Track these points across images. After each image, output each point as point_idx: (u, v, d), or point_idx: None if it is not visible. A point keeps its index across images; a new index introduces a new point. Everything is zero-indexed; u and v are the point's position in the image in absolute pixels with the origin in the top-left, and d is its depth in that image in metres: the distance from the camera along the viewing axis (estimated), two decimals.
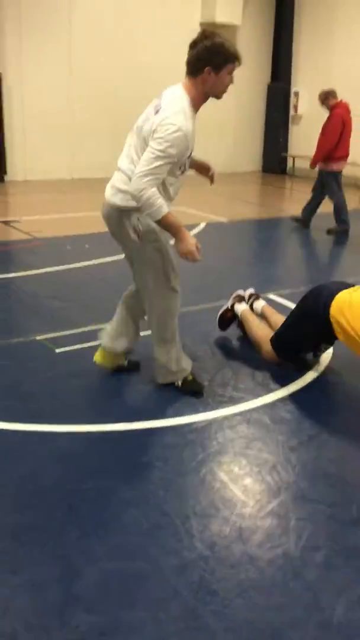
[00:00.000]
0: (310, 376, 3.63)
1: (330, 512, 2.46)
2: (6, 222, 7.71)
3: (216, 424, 3.10)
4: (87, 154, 11.37)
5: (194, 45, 2.97)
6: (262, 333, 3.85)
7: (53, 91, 10.98)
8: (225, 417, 3.16)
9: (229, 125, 13.06)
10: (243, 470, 2.73)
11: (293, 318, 3.62)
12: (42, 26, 10.59)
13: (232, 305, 4.16)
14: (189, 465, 2.73)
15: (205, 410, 3.22)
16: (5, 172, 10.77)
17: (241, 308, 4.13)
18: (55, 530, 2.29)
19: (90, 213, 8.49)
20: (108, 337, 3.47)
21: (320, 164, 7.49)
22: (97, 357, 3.54)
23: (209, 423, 3.10)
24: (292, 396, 3.40)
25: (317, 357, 3.79)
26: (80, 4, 10.78)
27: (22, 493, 2.51)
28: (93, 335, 4.16)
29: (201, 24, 12.03)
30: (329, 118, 7.42)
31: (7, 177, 10.84)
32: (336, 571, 2.14)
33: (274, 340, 3.69)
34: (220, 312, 4.20)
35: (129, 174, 2.94)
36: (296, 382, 3.56)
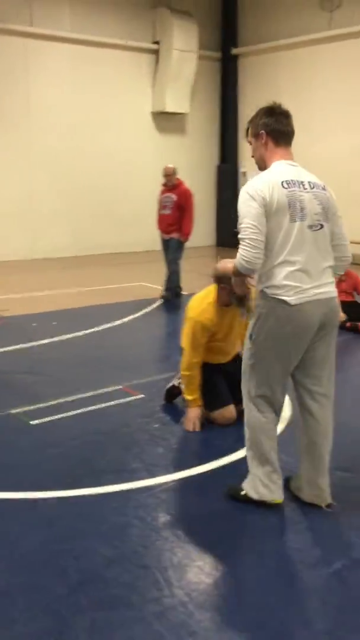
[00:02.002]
0: None
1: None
2: None
3: (186, 483, 3.33)
4: (48, 235, 11.81)
5: (288, 113, 2.93)
6: None
7: (13, 178, 11.47)
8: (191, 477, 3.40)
9: None
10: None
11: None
12: (2, 116, 11.18)
13: (180, 383, 4.34)
14: (163, 522, 2.95)
15: (177, 470, 3.45)
16: None
17: None
18: (45, 588, 2.47)
19: (54, 291, 8.85)
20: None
21: (178, 234, 7.93)
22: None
23: (181, 482, 3.33)
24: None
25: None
26: (36, 95, 11.42)
27: (12, 556, 2.67)
28: (64, 406, 4.40)
29: (152, 113, 12.91)
30: (183, 193, 7.80)
31: None
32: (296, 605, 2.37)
33: None
34: (167, 387, 4.45)
35: (331, 265, 2.87)
36: None
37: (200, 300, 3.97)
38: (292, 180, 2.79)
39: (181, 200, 7.83)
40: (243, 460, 3.48)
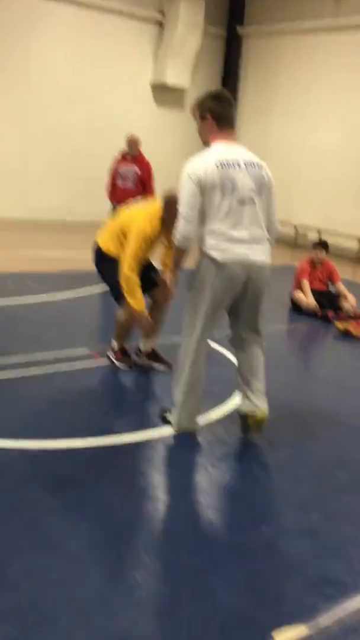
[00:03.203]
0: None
1: None
2: None
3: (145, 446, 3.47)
4: (39, 197, 11.78)
5: (231, 100, 3.43)
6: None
7: (7, 137, 11.40)
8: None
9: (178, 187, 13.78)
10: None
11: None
12: None
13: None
14: (131, 474, 3.09)
15: (131, 430, 3.58)
16: None
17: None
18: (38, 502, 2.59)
19: (38, 252, 8.88)
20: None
21: None
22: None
23: (138, 445, 3.47)
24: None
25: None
26: (36, 55, 11.32)
27: None
28: (32, 364, 4.51)
29: (152, 84, 12.85)
30: (147, 168, 7.54)
31: None
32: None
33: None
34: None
35: (266, 236, 3.41)
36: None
37: (148, 219, 4.26)
38: (226, 161, 3.27)
39: (145, 175, 7.53)
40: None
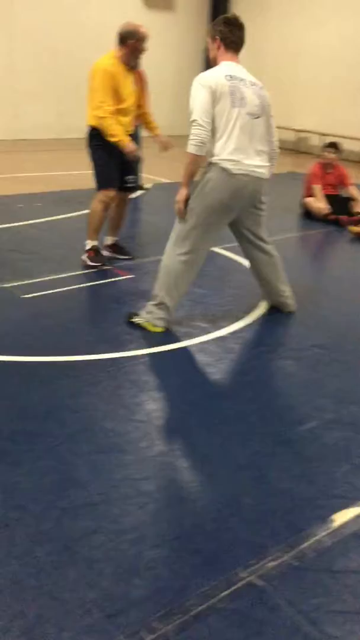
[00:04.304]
0: (254, 315, 4.13)
1: None
2: None
3: (180, 352, 3.56)
4: (30, 115, 11.42)
5: (242, 26, 3.57)
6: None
7: None
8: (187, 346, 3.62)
9: (168, 92, 13.31)
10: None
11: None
12: None
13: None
14: (151, 386, 3.19)
15: (168, 342, 3.66)
16: None
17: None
18: (46, 434, 2.70)
19: (37, 173, 8.70)
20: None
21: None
22: None
23: (173, 352, 3.55)
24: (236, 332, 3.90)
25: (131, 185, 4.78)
26: None
27: (12, 407, 2.89)
28: (55, 283, 4.55)
29: None
30: (143, 74, 7.30)
31: None
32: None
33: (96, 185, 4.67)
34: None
35: (269, 151, 3.65)
36: (242, 320, 4.05)
37: (107, 58, 4.47)
38: (234, 75, 3.48)
39: (142, 84, 7.25)
40: (220, 339, 3.72)
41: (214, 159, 3.46)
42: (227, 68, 3.50)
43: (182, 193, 3.58)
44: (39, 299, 4.25)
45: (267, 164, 3.63)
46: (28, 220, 6.18)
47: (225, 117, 3.39)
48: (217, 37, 3.55)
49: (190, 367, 3.43)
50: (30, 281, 4.53)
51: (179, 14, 12.87)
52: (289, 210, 7.14)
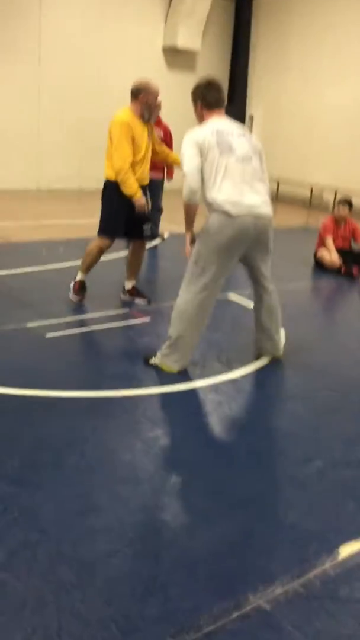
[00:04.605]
0: (262, 361, 4.29)
1: None
2: None
3: (193, 391, 3.72)
4: (53, 166, 11.90)
5: (219, 87, 3.95)
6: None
7: (22, 107, 11.48)
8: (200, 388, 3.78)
9: None
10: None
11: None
12: (12, 46, 11.10)
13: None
14: (166, 421, 3.34)
15: (182, 382, 3.82)
16: None
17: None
18: (67, 464, 2.85)
19: (60, 221, 9.06)
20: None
21: (162, 174, 7.70)
22: None
23: (187, 391, 3.71)
24: (247, 376, 4.06)
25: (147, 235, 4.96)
26: (49, 26, 11.35)
27: (35, 436, 3.05)
28: (77, 323, 4.75)
29: (163, 48, 12.82)
30: (168, 130, 7.73)
31: None
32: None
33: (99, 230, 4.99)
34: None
35: (267, 191, 3.89)
36: (254, 363, 4.21)
37: (123, 112, 4.83)
38: (220, 129, 3.76)
39: (167, 137, 7.67)
40: (232, 380, 3.87)
41: (214, 205, 3.69)
42: (213, 124, 3.78)
43: (186, 237, 3.91)
44: (62, 338, 4.45)
45: (267, 200, 3.83)
46: (51, 264, 6.44)
47: (215, 166, 3.66)
48: (198, 100, 3.90)
49: (203, 406, 3.59)
50: (54, 321, 4.74)
51: (200, 75, 13.45)
52: (302, 262, 7.37)
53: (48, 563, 2.23)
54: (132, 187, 4.74)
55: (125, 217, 4.94)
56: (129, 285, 5.41)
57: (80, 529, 2.43)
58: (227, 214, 3.66)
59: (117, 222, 4.97)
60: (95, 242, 5.08)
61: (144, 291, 5.45)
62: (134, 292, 5.39)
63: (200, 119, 3.93)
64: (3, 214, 9.23)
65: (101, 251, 5.09)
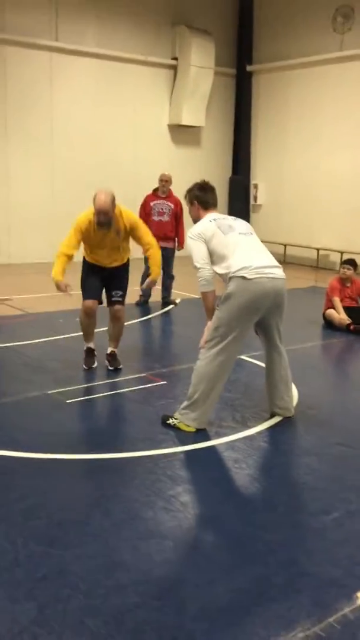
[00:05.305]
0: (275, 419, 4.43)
1: None
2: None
3: (211, 449, 3.85)
4: None
5: (213, 189, 4.34)
6: None
7: (36, 185, 12.07)
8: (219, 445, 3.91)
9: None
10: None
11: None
12: (26, 127, 11.79)
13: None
14: (186, 479, 3.46)
15: (200, 441, 3.96)
16: None
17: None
18: (94, 523, 2.97)
19: (75, 292, 9.37)
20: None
21: (174, 243, 8.27)
22: None
23: (205, 449, 3.84)
24: (262, 433, 4.18)
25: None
26: (59, 108, 12.05)
27: (59, 499, 3.18)
28: (95, 389, 4.93)
29: (169, 126, 13.50)
30: (179, 202, 8.12)
31: None
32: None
33: None
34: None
35: (269, 256, 4.16)
36: (268, 421, 4.35)
37: (86, 215, 5.21)
38: (217, 217, 4.17)
39: (177, 209, 8.14)
40: (248, 437, 4.01)
41: (229, 274, 3.94)
42: (209, 216, 4.17)
43: (207, 324, 4.11)
44: (82, 403, 4.62)
45: (278, 264, 4.11)
46: (68, 334, 6.67)
47: (222, 244, 4.00)
48: (194, 200, 4.28)
49: (221, 463, 3.71)
50: (73, 387, 4.92)
51: (205, 149, 14.15)
52: (311, 322, 7.56)
53: (79, 616, 2.34)
54: (54, 269, 5.17)
55: (97, 284, 5.34)
56: (108, 349, 5.54)
57: (107, 583, 2.53)
58: (243, 278, 3.89)
59: (88, 286, 5.35)
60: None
61: (117, 359, 5.48)
62: (108, 357, 5.49)
63: (197, 217, 4.26)
64: (22, 287, 9.59)
65: (85, 314, 5.32)
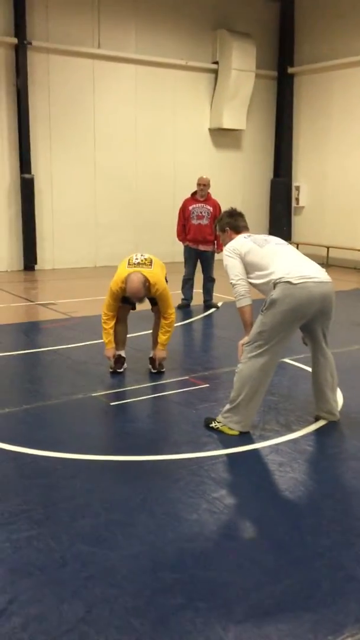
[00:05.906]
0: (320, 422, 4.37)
1: None
2: (44, 305, 8.65)
3: (255, 452, 3.83)
4: (109, 245, 12.49)
5: (241, 214, 4.46)
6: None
7: (79, 191, 12.25)
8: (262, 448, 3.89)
9: None
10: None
11: None
12: (69, 134, 11.99)
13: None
14: (230, 482, 3.45)
15: (244, 444, 3.94)
16: (35, 262, 11.87)
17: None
18: (139, 525, 2.99)
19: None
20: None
21: (213, 247, 8.26)
22: None
23: (249, 452, 3.83)
24: (307, 435, 4.14)
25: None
26: (101, 114, 12.22)
27: (107, 499, 3.22)
28: (139, 391, 4.96)
29: (210, 130, 13.52)
30: (217, 205, 8.15)
31: (37, 267, 11.94)
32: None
33: None
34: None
35: (311, 262, 4.17)
36: (312, 424, 4.30)
37: (117, 284, 5.20)
38: (251, 235, 4.27)
39: (216, 212, 8.03)
40: (293, 441, 3.97)
41: (274, 281, 3.91)
42: (243, 234, 4.28)
43: (244, 338, 4.11)
44: (126, 405, 4.66)
45: (321, 268, 4.08)
46: None
47: (260, 256, 4.04)
48: (226, 227, 4.38)
49: (265, 466, 3.69)
50: (118, 390, 4.97)
51: (246, 152, 14.10)
52: (356, 324, 7.46)
53: (125, 616, 2.35)
54: (104, 336, 5.33)
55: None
56: (151, 353, 5.61)
57: (153, 584, 2.55)
58: (289, 283, 3.87)
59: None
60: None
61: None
62: (151, 360, 5.54)
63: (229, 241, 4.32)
64: (66, 292, 9.73)
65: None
